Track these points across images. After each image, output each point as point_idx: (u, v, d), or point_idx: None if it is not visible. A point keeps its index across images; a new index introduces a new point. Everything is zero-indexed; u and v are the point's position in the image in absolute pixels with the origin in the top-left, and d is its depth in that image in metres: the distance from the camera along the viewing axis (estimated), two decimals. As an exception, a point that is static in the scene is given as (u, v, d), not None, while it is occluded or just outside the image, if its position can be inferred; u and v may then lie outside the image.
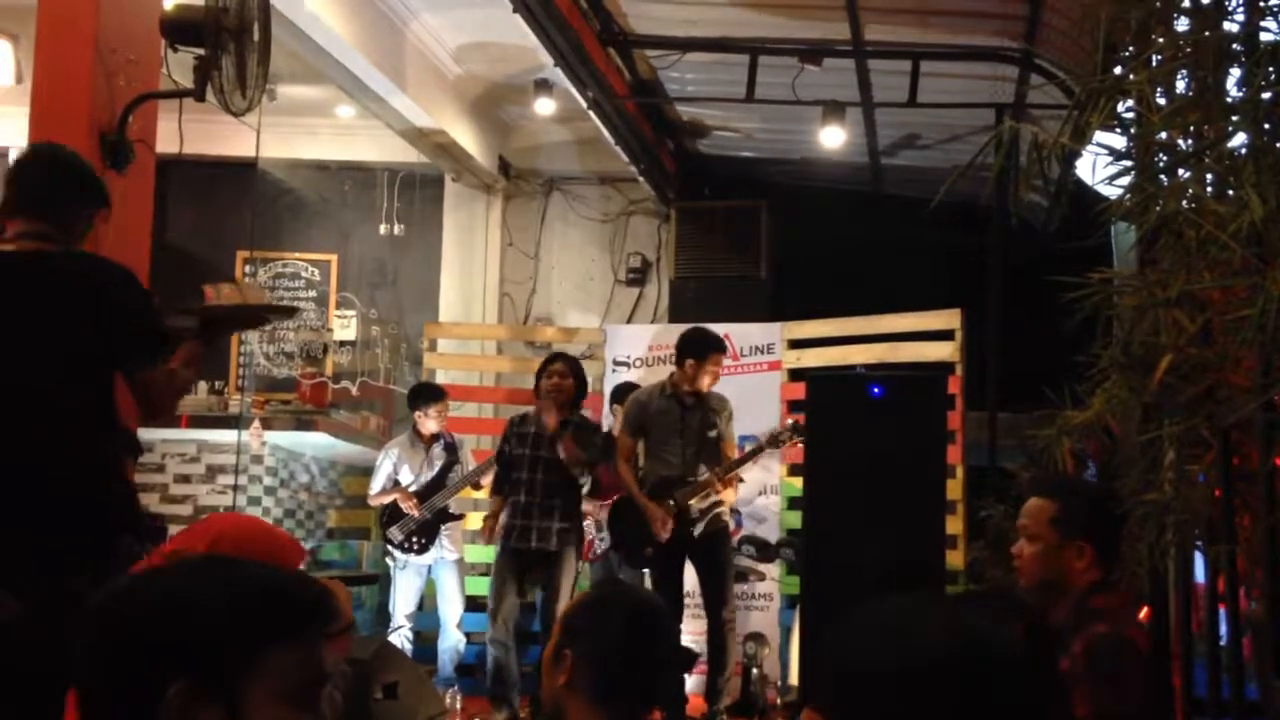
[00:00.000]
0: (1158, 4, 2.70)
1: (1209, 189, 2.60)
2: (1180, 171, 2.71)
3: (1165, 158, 2.71)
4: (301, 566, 2.46)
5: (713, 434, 5.62)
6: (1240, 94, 2.60)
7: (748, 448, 6.16)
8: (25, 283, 2.84)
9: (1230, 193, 2.46)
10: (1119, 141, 2.81)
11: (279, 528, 2.40)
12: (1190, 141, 2.71)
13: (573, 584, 5.75)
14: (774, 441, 5.81)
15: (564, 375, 5.75)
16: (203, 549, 2.08)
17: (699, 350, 5.62)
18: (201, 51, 4.16)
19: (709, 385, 5.61)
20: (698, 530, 5.56)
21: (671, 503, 5.52)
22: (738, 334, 7.54)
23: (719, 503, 5.63)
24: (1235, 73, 2.67)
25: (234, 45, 4.21)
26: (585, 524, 6.37)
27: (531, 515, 5.57)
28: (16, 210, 2.88)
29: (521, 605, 5.80)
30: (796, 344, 7.47)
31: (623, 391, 6.55)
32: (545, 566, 5.60)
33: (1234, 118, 2.55)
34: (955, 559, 6.21)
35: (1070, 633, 2.62)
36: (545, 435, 5.65)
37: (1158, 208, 2.60)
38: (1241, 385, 2.55)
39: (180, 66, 4.35)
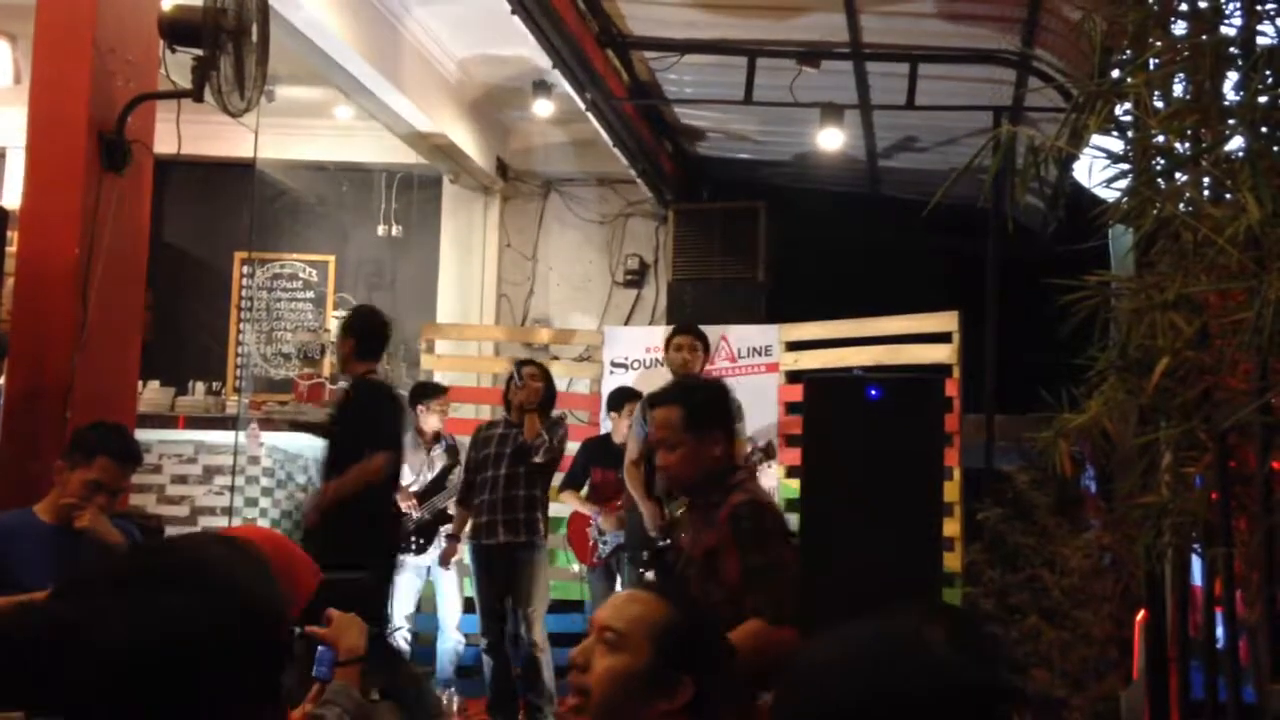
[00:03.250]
0: (1155, 8, 2.70)
1: (1206, 192, 2.61)
2: (1177, 175, 2.71)
3: (1162, 161, 2.71)
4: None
5: None
6: (1237, 98, 2.61)
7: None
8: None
9: (1227, 196, 2.46)
10: (1116, 145, 2.81)
11: (299, 548, 2.38)
12: (1187, 145, 2.71)
13: (545, 585, 5.75)
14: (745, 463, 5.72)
15: (535, 378, 5.74)
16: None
17: (666, 341, 5.81)
18: (200, 52, 4.16)
19: (680, 367, 5.61)
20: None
21: (659, 509, 5.52)
22: (735, 336, 7.55)
23: None
24: (1233, 76, 2.67)
25: (232, 46, 4.21)
26: (587, 528, 6.37)
27: (496, 510, 5.58)
28: (369, 356, 5.16)
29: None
30: (794, 346, 7.47)
31: (619, 396, 6.54)
32: (511, 565, 5.57)
33: (1231, 121, 2.56)
34: (953, 561, 6.21)
35: (717, 508, 2.99)
36: (512, 435, 5.64)
37: (1155, 211, 2.60)
38: (1239, 388, 2.55)
39: (178, 67, 4.35)
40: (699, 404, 3.12)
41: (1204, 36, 2.62)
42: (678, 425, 3.05)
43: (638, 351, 7.69)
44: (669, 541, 5.50)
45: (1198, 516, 2.73)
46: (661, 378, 6.04)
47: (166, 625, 1.17)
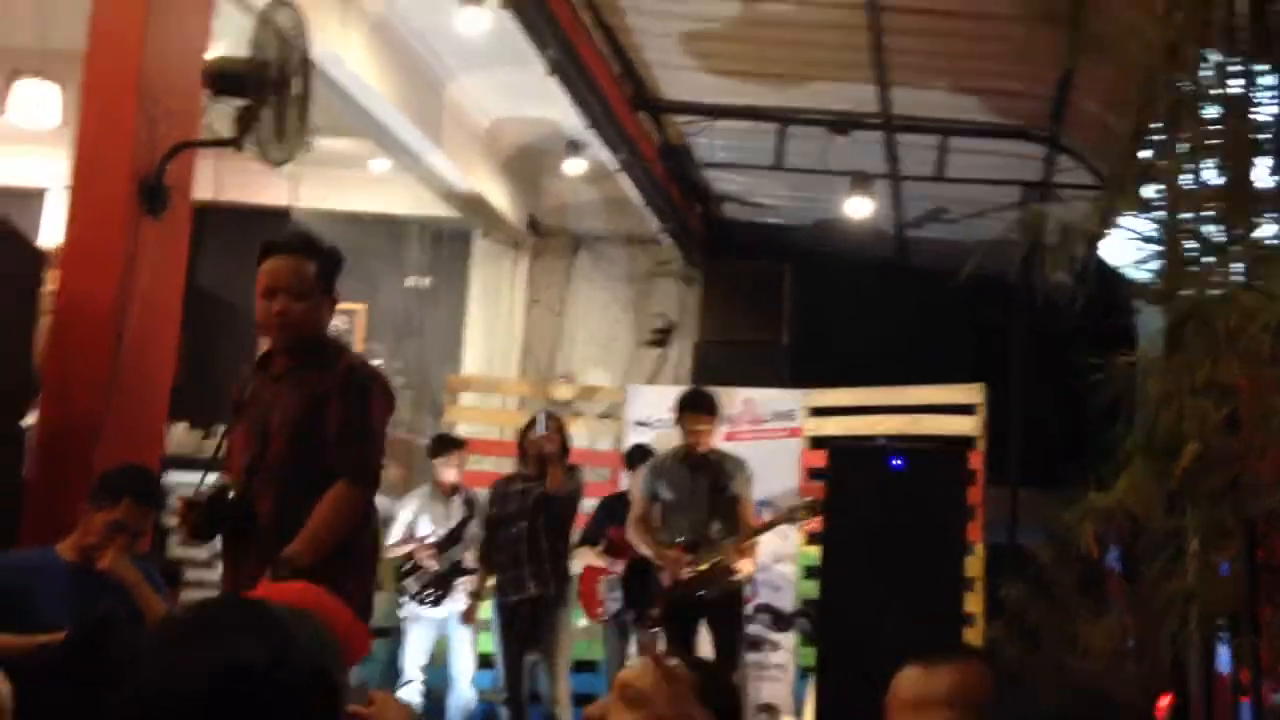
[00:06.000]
0: (1186, 94, 2.73)
1: (1238, 277, 2.61)
2: (1207, 259, 2.71)
3: (1194, 245, 2.72)
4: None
5: (726, 496, 5.56)
6: (1269, 182, 2.61)
7: (765, 513, 6.11)
8: None
9: (1260, 282, 2.47)
10: (1146, 226, 2.82)
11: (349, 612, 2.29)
12: (1218, 229, 2.72)
13: (570, 639, 5.72)
14: (789, 518, 5.68)
15: (559, 428, 5.76)
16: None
17: (677, 411, 5.63)
18: (243, 102, 4.23)
19: (696, 444, 5.54)
20: (710, 594, 5.50)
21: (683, 555, 5.47)
22: (759, 399, 7.54)
23: (733, 570, 5.56)
24: (1262, 161, 2.68)
25: (274, 98, 4.29)
26: (598, 583, 6.33)
27: (523, 564, 5.56)
28: None
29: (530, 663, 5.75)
30: (818, 411, 7.45)
31: (634, 455, 6.53)
32: (538, 620, 5.54)
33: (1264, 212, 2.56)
34: (974, 637, 6.13)
35: (330, 365, 2.98)
36: (533, 488, 5.64)
37: (1187, 294, 2.60)
38: (1267, 476, 2.53)
39: (219, 113, 4.42)
40: (333, 264, 3.08)
41: (1233, 124, 2.63)
42: (311, 277, 3.02)
43: (660, 411, 7.67)
44: (702, 591, 5.44)
45: (1224, 604, 2.70)
46: (678, 438, 6.01)
47: (226, 674, 1.17)
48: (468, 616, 6.21)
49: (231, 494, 2.99)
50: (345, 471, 2.89)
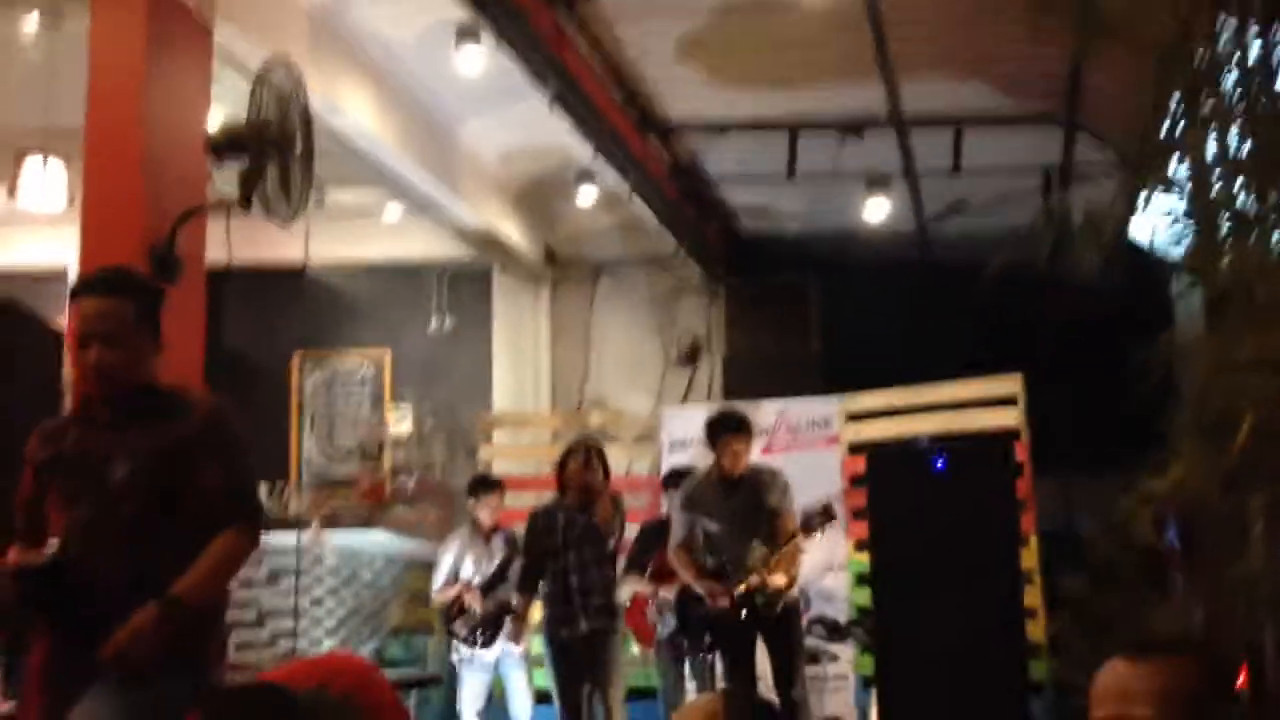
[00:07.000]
0: (1203, 67, 2.64)
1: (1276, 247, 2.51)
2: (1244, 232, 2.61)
3: (1228, 218, 2.62)
4: None
5: (764, 512, 5.41)
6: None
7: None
8: None
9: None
10: (1176, 203, 2.73)
11: (393, 691, 2.21)
12: (1250, 200, 2.62)
13: (622, 671, 5.62)
14: (807, 527, 5.48)
15: (602, 458, 5.67)
16: (313, 684, 1.99)
17: (710, 435, 5.47)
18: (246, 164, 4.22)
19: (735, 466, 5.42)
20: (763, 613, 5.39)
21: (726, 584, 5.35)
22: (794, 409, 7.44)
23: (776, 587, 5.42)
24: None
25: (277, 157, 4.28)
26: (647, 610, 6.24)
27: (573, 599, 5.48)
28: None
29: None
30: (855, 417, 7.34)
31: (671, 478, 6.44)
32: (591, 652, 5.45)
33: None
34: (1036, 632, 6.00)
35: (181, 413, 2.74)
36: (579, 520, 5.55)
37: (1225, 268, 2.51)
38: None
39: (227, 175, 4.41)
40: (153, 301, 2.78)
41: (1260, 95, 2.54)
42: (130, 320, 2.70)
43: (695, 430, 7.59)
44: (746, 611, 5.30)
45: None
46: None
47: None
48: (515, 636, 6.06)
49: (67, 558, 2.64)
50: (237, 520, 2.73)
